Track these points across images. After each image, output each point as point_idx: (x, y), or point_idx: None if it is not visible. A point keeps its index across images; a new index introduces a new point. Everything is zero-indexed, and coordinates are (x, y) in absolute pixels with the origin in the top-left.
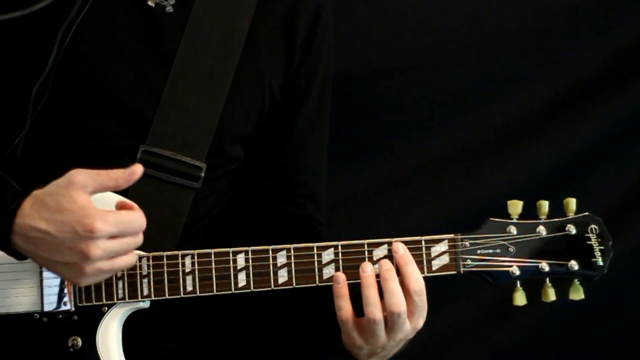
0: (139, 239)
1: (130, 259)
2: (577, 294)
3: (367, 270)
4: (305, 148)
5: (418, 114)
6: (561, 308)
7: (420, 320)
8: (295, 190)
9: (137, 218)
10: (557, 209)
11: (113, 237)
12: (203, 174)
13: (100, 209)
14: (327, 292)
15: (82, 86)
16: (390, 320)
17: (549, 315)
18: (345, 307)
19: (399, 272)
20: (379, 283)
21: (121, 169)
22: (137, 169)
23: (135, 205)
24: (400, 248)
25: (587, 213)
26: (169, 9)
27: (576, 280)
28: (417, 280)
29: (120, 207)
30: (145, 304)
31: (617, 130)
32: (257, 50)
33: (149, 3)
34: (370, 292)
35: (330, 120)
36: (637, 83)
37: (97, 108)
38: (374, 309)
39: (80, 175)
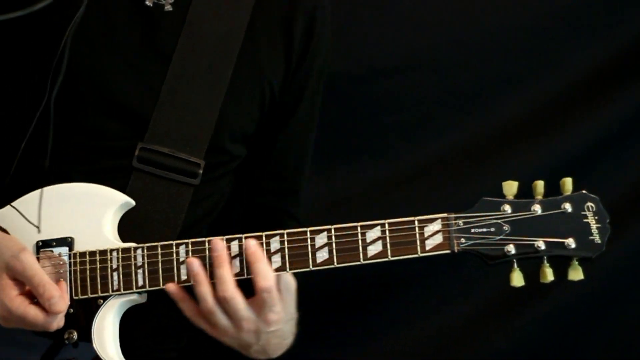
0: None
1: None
2: (576, 273)
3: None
4: (296, 144)
5: (418, 114)
6: (561, 308)
7: (273, 315)
8: (280, 185)
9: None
10: None
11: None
12: (201, 171)
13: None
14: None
15: (80, 86)
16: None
17: (549, 315)
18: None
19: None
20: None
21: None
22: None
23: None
24: (251, 245)
25: (583, 191)
26: (168, 7)
27: (575, 260)
28: (265, 278)
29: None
30: (142, 299)
31: (617, 130)
32: (256, 47)
33: (147, 2)
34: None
35: (331, 120)
36: (637, 83)
37: (96, 108)
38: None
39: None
